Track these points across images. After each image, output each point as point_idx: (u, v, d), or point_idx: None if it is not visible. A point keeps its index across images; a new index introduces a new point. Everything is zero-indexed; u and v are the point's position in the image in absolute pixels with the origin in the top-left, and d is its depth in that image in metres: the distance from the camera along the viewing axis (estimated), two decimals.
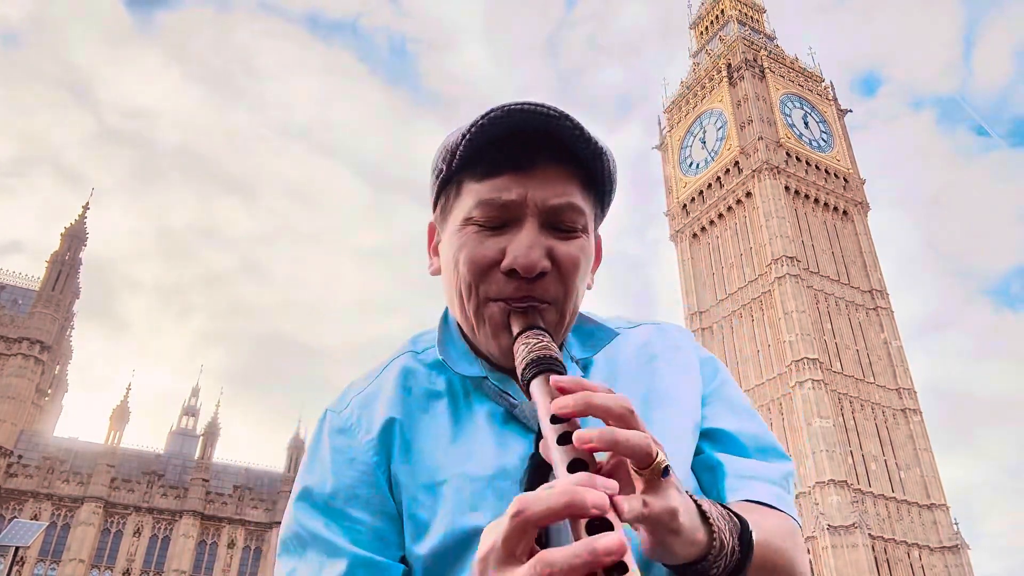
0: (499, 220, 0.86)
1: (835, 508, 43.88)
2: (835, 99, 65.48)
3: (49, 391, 61.80)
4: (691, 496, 0.71)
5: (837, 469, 45.18)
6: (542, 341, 0.79)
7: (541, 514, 0.56)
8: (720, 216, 59.67)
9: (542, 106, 0.83)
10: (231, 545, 48.26)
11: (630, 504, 0.61)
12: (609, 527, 0.56)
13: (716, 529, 0.71)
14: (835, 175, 60.46)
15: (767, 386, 50.89)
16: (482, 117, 0.84)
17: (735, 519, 0.76)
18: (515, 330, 0.83)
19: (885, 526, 46.01)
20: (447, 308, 0.98)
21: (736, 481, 0.92)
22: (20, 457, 45.95)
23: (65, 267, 52.76)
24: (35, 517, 42.47)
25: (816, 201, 58.45)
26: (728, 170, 59.58)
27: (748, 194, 57.48)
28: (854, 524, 43.22)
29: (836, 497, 44.30)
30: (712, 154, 61.86)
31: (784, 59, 66.26)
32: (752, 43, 65.83)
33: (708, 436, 0.98)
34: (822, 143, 61.85)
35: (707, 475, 0.95)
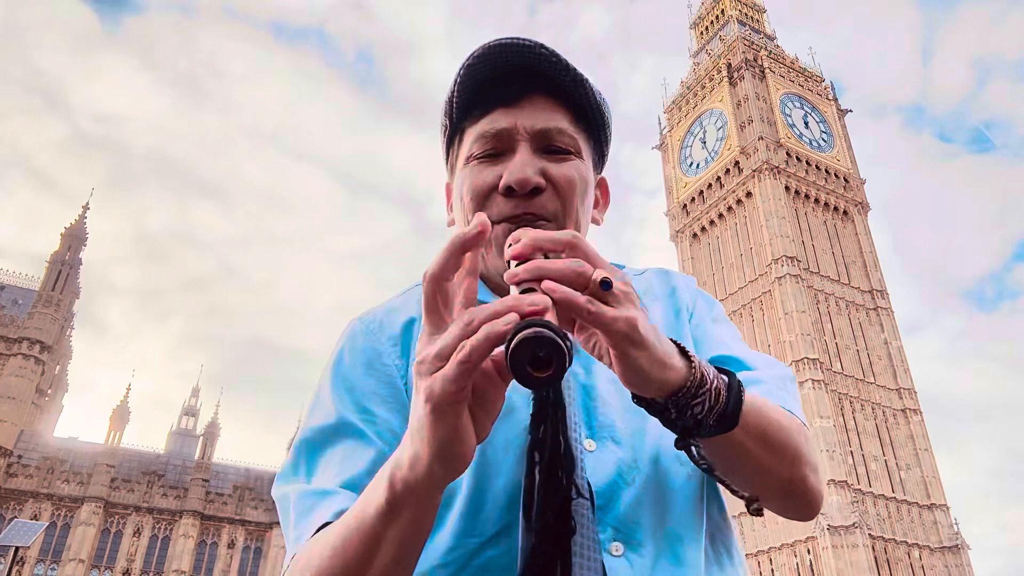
0: (495, 150, 0.94)
1: (835, 508, 43.84)
2: (835, 99, 65.44)
3: (49, 391, 61.80)
4: (669, 338, 0.73)
5: (837, 469, 45.14)
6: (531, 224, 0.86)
7: (485, 315, 0.61)
8: (720, 216, 59.64)
9: (519, 39, 0.92)
10: (231, 545, 48.25)
11: (565, 288, 0.64)
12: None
13: (695, 361, 0.72)
14: (835, 175, 60.43)
15: None
16: (468, 58, 0.93)
17: (723, 372, 0.77)
18: None
19: (885, 526, 45.98)
20: None
21: None
22: (20, 457, 45.92)
23: (65, 267, 52.74)
24: (35, 517, 42.46)
25: (816, 201, 58.41)
26: (728, 170, 59.55)
27: (748, 194, 57.45)
28: (854, 524, 43.18)
29: (836, 497, 44.27)
30: (712, 154, 61.82)
31: (784, 59, 66.22)
32: (752, 43, 65.77)
33: None
34: (822, 143, 61.81)
35: None
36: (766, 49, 65.56)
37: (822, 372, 48.67)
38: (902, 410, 51.17)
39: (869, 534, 43.84)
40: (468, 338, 0.59)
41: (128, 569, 45.15)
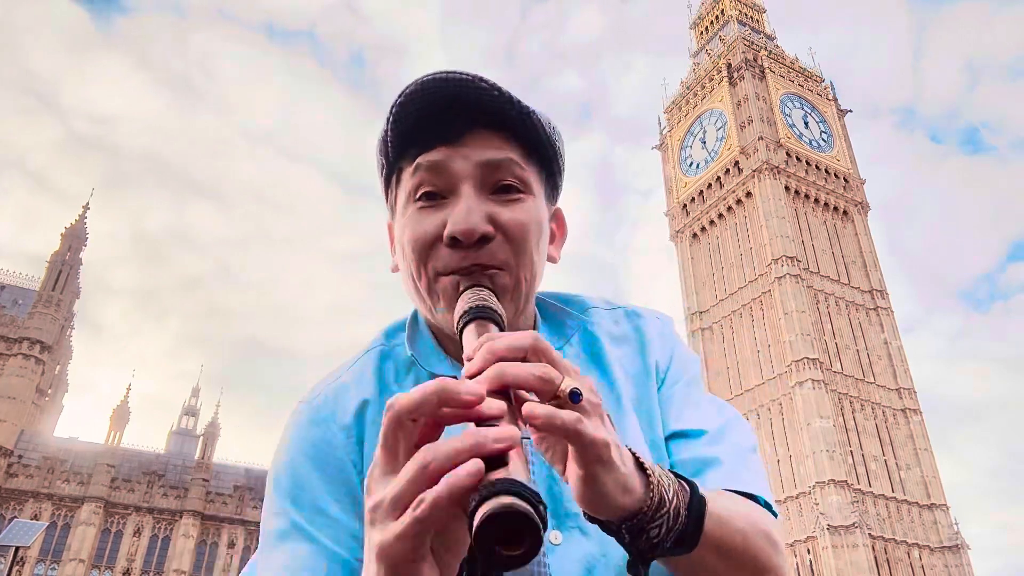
0: (435, 189, 0.84)
1: (835, 508, 43.88)
2: (835, 99, 65.48)
3: (49, 391, 61.83)
4: (627, 447, 0.66)
5: (837, 469, 45.17)
6: (480, 295, 0.75)
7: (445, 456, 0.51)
8: (720, 216, 59.66)
9: (456, 72, 0.81)
10: (231, 545, 48.25)
11: (545, 409, 0.57)
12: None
13: (654, 480, 0.65)
14: (835, 175, 60.46)
15: (767, 386, 50.88)
16: (399, 96, 0.83)
17: (684, 483, 0.69)
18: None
19: (885, 526, 46.00)
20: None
21: (693, 468, 0.87)
22: (20, 457, 45.93)
23: (65, 267, 52.72)
24: (35, 517, 42.46)
25: (816, 201, 58.45)
26: (728, 170, 59.57)
27: (748, 194, 57.48)
28: (854, 524, 43.22)
29: (836, 497, 44.30)
30: (712, 154, 61.85)
31: (784, 59, 66.25)
32: (752, 43, 65.81)
33: (670, 438, 0.93)
34: (822, 143, 61.84)
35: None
36: (766, 49, 65.59)
37: (822, 372, 48.70)
38: (902, 410, 51.21)
39: (869, 534, 43.87)
40: (426, 487, 0.50)
41: (128, 569, 45.14)
